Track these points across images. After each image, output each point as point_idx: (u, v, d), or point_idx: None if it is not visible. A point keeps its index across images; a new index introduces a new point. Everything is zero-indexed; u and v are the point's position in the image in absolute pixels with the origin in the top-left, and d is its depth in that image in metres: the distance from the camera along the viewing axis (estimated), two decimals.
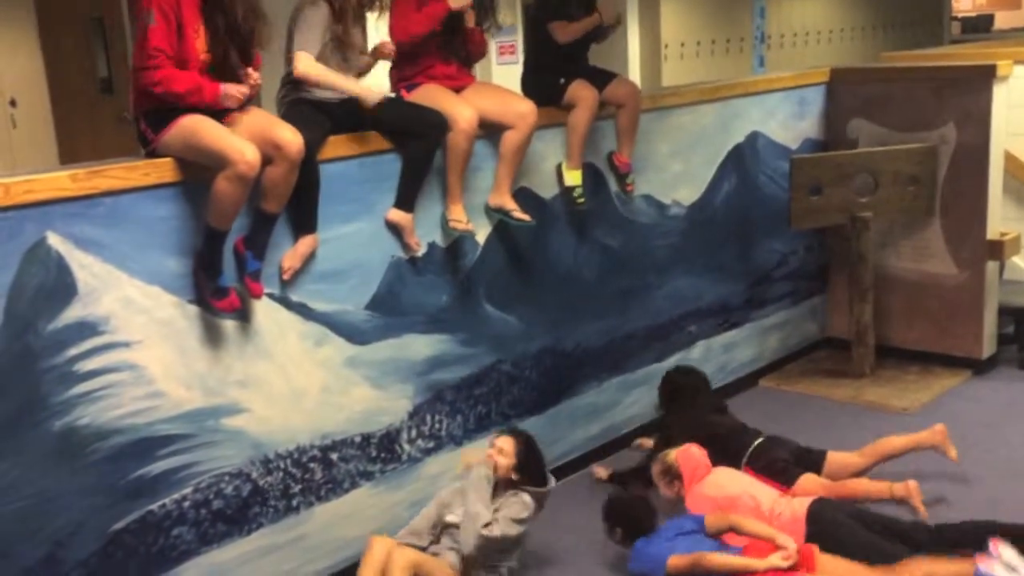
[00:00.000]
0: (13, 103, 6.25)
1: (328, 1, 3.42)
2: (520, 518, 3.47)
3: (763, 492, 3.69)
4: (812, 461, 4.01)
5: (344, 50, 3.49)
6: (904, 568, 3.29)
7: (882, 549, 3.39)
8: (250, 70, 3.09)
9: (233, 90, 3.02)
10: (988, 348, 5.37)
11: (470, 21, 3.86)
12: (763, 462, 3.95)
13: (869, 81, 5.53)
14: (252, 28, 3.11)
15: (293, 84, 3.50)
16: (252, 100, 3.21)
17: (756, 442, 4.06)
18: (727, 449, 4.01)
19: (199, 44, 3.01)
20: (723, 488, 3.69)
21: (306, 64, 3.38)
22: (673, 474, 3.77)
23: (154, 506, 3.11)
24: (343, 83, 3.45)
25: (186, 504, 3.19)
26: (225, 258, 3.14)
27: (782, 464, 3.94)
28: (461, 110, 3.66)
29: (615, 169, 4.46)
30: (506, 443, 3.55)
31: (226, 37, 3.05)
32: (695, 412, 4.25)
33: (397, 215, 3.64)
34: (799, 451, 4.08)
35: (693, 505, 3.68)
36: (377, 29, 3.80)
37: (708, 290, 5.07)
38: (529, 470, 3.56)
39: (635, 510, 3.61)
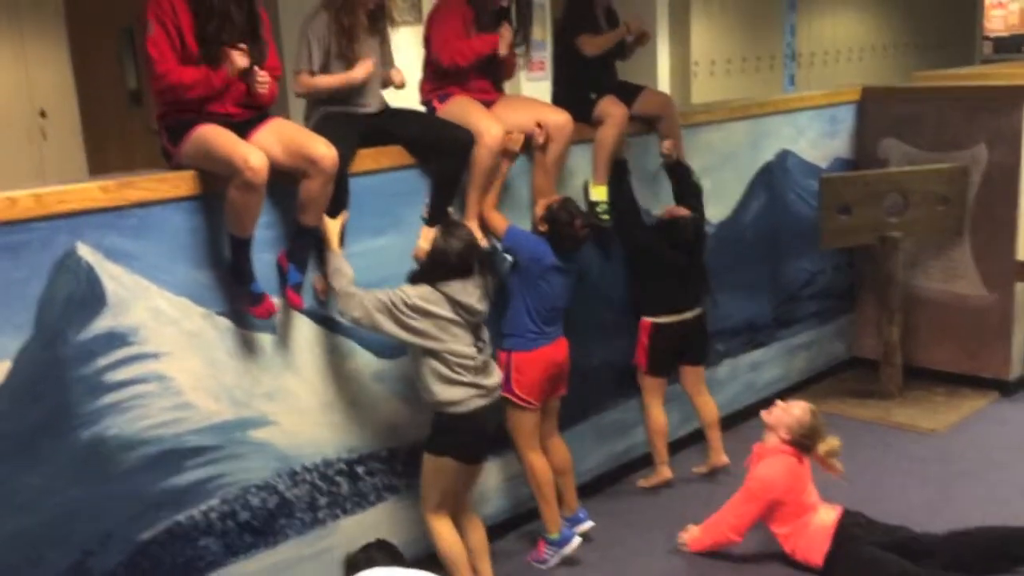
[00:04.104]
0: (43, 114, 6.31)
1: (330, 14, 3.41)
2: (384, 303, 3.22)
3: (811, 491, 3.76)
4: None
5: (349, 63, 3.44)
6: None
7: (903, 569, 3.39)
8: (256, 68, 3.07)
9: (236, 55, 3.00)
10: (1016, 370, 5.31)
11: (504, 49, 3.78)
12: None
13: (900, 100, 5.50)
14: (247, 28, 3.09)
15: (320, 99, 3.52)
16: (271, 108, 3.23)
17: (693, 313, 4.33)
18: (673, 297, 4.28)
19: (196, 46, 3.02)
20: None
21: (303, 83, 3.42)
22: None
23: (181, 516, 3.11)
24: (338, 80, 3.42)
25: (213, 515, 3.18)
26: (262, 267, 3.16)
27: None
28: (488, 125, 3.65)
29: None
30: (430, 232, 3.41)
31: (220, 35, 3.02)
32: (672, 247, 4.26)
33: (430, 233, 3.63)
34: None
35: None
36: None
37: (735, 308, 5.03)
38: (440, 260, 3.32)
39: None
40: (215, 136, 2.99)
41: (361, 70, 3.41)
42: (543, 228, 3.75)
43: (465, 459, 3.40)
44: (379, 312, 3.23)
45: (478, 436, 3.42)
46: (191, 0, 3.00)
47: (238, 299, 3.15)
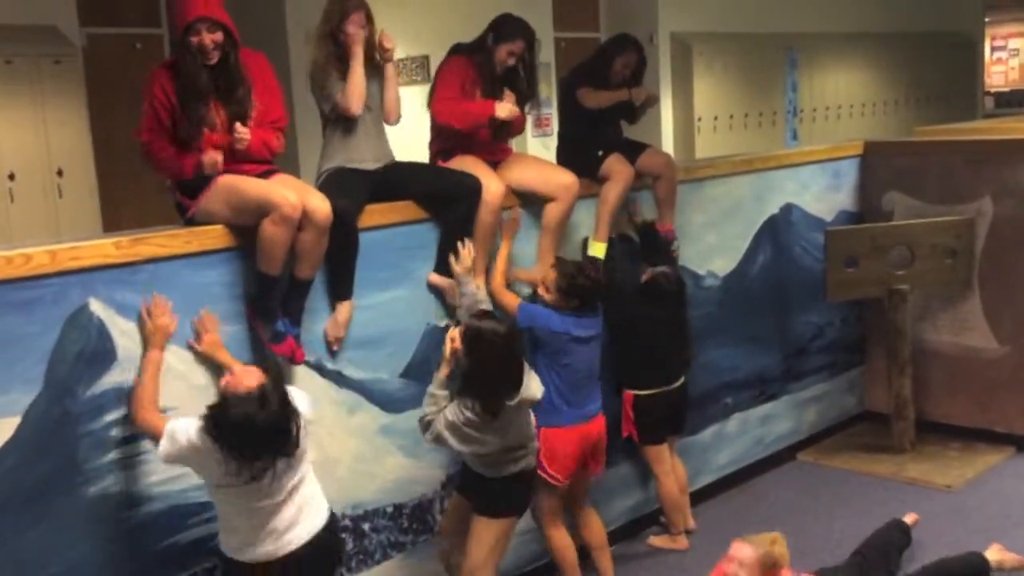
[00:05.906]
0: (60, 173, 6.42)
1: (323, 54, 3.52)
2: (454, 423, 3.24)
3: None
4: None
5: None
6: None
7: None
8: (237, 124, 3.12)
9: (208, 161, 3.06)
10: None
11: (503, 114, 3.79)
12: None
13: (903, 154, 5.55)
14: (234, 97, 3.14)
15: (333, 156, 3.58)
16: (276, 159, 3.28)
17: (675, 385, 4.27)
18: (659, 370, 4.21)
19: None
20: None
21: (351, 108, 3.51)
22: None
23: None
24: (357, 76, 3.47)
25: (216, 574, 3.16)
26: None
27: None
28: (488, 183, 3.68)
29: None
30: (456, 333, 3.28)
31: (203, 108, 3.09)
32: (657, 309, 4.15)
33: (438, 279, 3.67)
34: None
35: None
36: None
37: (744, 361, 5.02)
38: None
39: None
40: (243, 182, 3.08)
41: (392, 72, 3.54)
42: (572, 304, 3.65)
43: (521, 511, 3.46)
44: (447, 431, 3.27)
45: (529, 485, 3.46)
46: (172, 74, 3.09)
47: (260, 338, 3.16)
